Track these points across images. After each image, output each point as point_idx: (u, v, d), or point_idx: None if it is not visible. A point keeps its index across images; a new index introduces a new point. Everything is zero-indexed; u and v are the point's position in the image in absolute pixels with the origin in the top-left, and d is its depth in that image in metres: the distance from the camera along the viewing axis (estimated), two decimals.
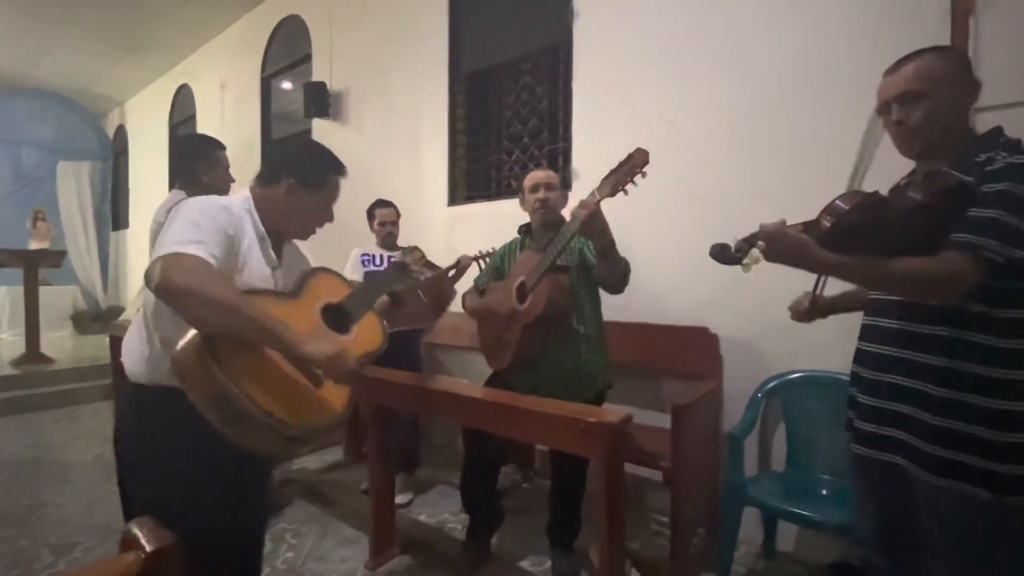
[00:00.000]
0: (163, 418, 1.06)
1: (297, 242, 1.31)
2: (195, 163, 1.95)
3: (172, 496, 1.03)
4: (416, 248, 1.53)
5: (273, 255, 1.17)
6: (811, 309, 1.22)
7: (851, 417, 1.13)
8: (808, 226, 0.94)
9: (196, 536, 0.97)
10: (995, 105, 1.61)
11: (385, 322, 1.32)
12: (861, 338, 1.11)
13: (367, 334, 1.22)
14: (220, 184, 1.98)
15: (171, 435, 1.06)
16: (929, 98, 0.97)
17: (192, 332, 0.96)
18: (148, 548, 0.69)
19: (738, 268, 0.95)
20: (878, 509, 1.10)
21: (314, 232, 1.25)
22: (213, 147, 2.00)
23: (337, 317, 1.17)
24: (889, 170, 1.22)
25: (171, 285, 0.90)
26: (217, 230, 1.01)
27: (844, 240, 0.90)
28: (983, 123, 1.63)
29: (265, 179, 1.18)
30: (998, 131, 0.99)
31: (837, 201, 0.92)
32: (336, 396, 1.07)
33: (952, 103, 0.98)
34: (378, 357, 1.25)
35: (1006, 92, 1.58)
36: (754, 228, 0.96)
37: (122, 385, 1.13)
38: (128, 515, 1.13)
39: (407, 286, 1.46)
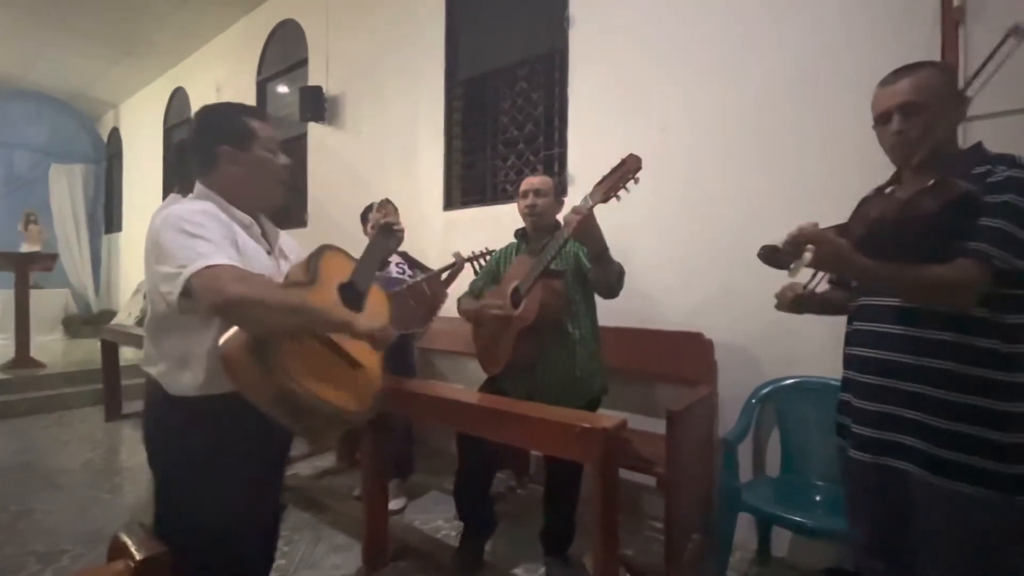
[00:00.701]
0: (189, 427, 1.07)
1: (286, 236, 1.31)
2: None
3: (202, 501, 1.06)
4: (388, 201, 1.53)
5: (265, 241, 1.18)
6: (799, 300, 1.19)
7: (845, 423, 1.13)
8: (840, 230, 0.95)
9: (223, 536, 1.05)
10: (984, 114, 1.63)
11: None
12: (854, 344, 1.12)
13: (377, 306, 1.26)
14: None
15: (199, 443, 1.07)
16: (929, 111, 1.00)
17: (234, 334, 0.96)
18: (137, 556, 0.68)
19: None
20: (876, 513, 1.10)
21: (285, 185, 1.21)
22: None
23: (349, 295, 1.19)
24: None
25: (229, 299, 0.90)
26: (222, 236, 1.01)
27: (871, 245, 0.92)
28: (972, 131, 1.66)
29: (204, 169, 1.14)
30: (981, 145, 1.04)
31: (865, 207, 0.94)
32: (372, 378, 1.14)
33: (946, 117, 1.02)
34: None
35: (995, 101, 1.60)
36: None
37: (147, 393, 1.14)
38: (159, 519, 1.13)
39: (391, 246, 1.48)
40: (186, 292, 0.93)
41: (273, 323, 0.96)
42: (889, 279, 0.95)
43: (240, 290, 0.90)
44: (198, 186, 1.14)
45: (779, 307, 1.23)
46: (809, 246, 0.89)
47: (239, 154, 1.12)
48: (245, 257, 1.06)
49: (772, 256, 0.98)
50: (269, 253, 1.18)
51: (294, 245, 1.32)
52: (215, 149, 1.11)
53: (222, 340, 0.98)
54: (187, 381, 1.04)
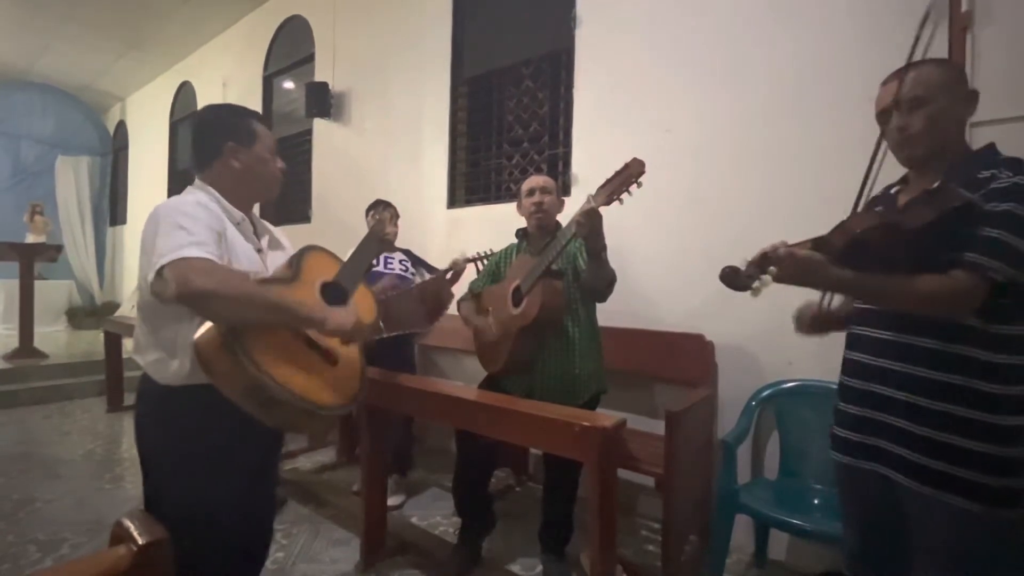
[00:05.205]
0: (177, 416, 1.09)
1: (280, 232, 1.34)
2: None
3: (191, 490, 1.07)
4: (389, 205, 1.54)
5: (255, 238, 1.21)
6: (816, 321, 1.17)
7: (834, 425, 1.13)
8: (817, 243, 0.92)
9: (213, 526, 1.05)
10: (992, 120, 1.63)
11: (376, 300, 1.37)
12: (850, 348, 1.11)
13: (363, 306, 1.26)
14: None
15: (187, 432, 1.09)
16: (929, 105, 0.98)
17: (209, 327, 0.98)
18: (140, 541, 0.69)
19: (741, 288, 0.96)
20: (864, 517, 1.10)
21: (279, 182, 1.26)
22: None
23: (334, 294, 1.21)
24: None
25: (193, 290, 0.93)
26: (206, 228, 1.04)
27: (854, 258, 0.90)
28: (980, 137, 1.65)
29: (205, 162, 1.18)
30: (993, 147, 1.00)
31: (848, 221, 0.92)
32: (351, 375, 1.13)
33: (951, 112, 0.99)
34: (370, 359, 1.26)
35: (1003, 107, 1.60)
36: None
37: (139, 382, 1.16)
38: (147, 507, 1.15)
39: (383, 248, 1.50)
40: (160, 280, 0.96)
41: (238, 316, 0.98)
42: (867, 291, 0.93)
43: (204, 282, 0.93)
44: (196, 180, 1.19)
45: (800, 330, 1.18)
46: (771, 268, 0.88)
47: (242, 151, 1.17)
48: (233, 252, 1.10)
49: (733, 278, 0.95)
50: (260, 251, 1.21)
51: (286, 242, 1.35)
52: (221, 145, 1.16)
53: (198, 332, 1.00)
54: (174, 370, 1.06)
